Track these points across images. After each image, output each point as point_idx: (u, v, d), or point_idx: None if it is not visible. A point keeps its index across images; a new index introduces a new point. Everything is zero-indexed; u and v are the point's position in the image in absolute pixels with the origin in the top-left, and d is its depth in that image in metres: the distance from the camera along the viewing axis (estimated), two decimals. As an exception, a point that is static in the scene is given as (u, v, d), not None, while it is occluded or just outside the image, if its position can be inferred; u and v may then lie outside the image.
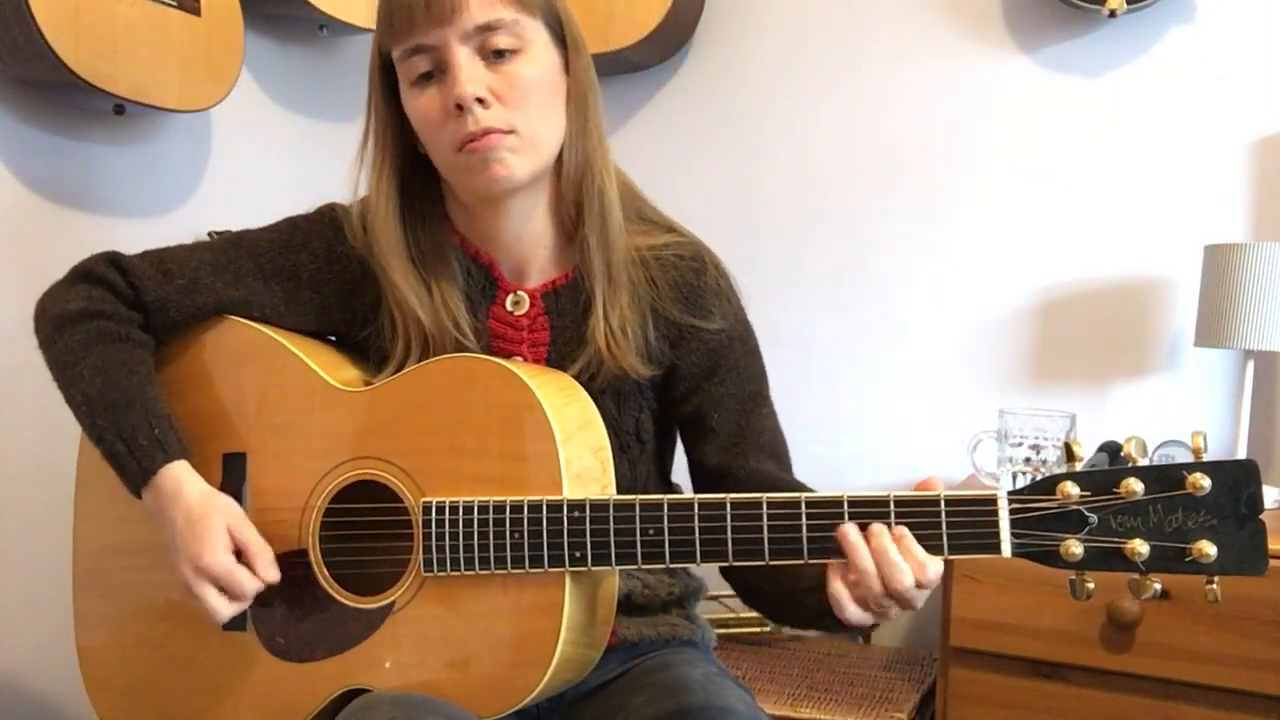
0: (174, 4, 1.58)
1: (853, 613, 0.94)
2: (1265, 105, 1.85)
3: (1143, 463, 0.89)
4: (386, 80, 1.08)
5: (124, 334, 1.11)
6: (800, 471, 1.17)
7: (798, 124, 2.15)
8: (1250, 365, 1.75)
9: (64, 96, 1.57)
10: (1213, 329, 1.71)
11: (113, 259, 1.14)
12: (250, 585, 1.02)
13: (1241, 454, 1.74)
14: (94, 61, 1.46)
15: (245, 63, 1.73)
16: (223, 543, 1.02)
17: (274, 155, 2.03)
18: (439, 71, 1.03)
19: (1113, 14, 1.84)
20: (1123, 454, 0.88)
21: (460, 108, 1.01)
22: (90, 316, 1.10)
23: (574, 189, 1.09)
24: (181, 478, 1.05)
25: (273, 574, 1.04)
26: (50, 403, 1.58)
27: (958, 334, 2.05)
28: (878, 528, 0.92)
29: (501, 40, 1.02)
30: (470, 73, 1.01)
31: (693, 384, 1.14)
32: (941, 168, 2.06)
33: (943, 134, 2.05)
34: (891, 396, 2.09)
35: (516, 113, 1.03)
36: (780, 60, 2.16)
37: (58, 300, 1.13)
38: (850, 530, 0.92)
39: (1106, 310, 1.95)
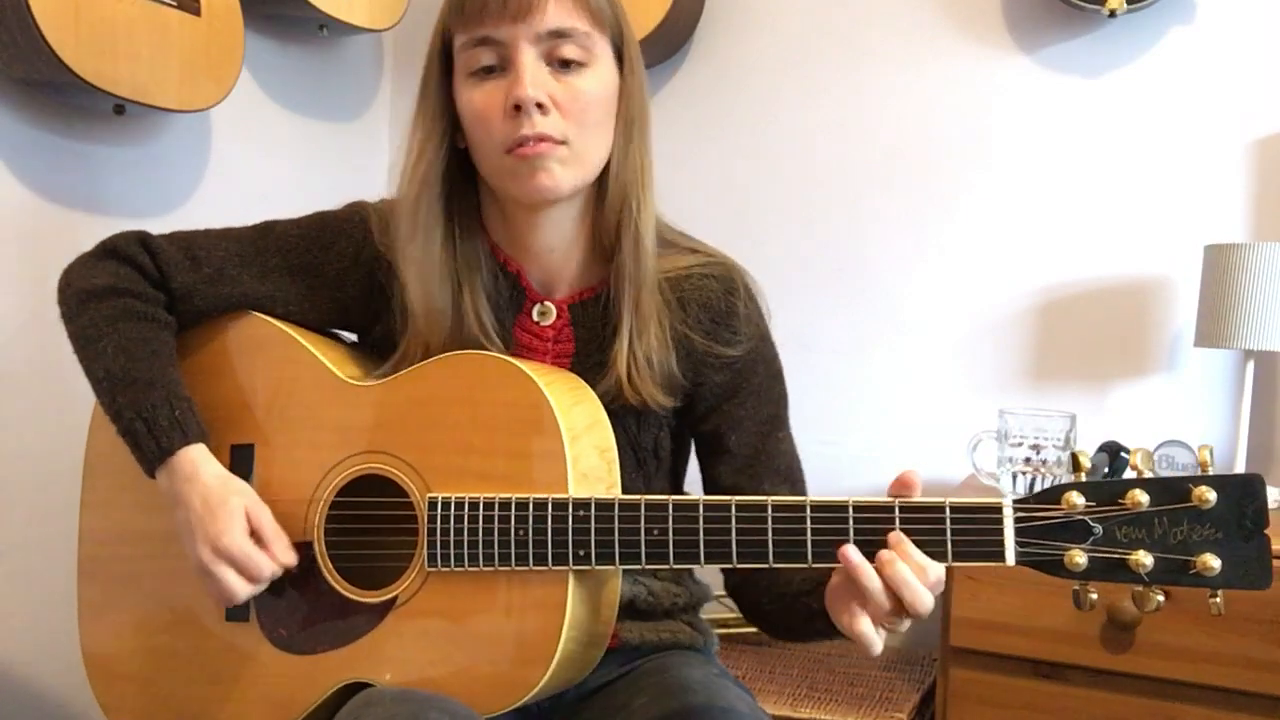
0: (174, 4, 1.58)
1: (869, 637, 0.92)
2: (1265, 105, 1.85)
3: (1148, 473, 0.89)
4: (444, 65, 1.06)
5: (149, 313, 1.11)
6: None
7: (797, 124, 2.15)
8: (1250, 365, 1.75)
9: (64, 96, 1.57)
10: (1213, 329, 1.71)
11: (142, 239, 1.14)
12: (268, 568, 1.03)
13: (1242, 454, 1.74)
14: (94, 61, 1.46)
15: (245, 63, 1.73)
16: (241, 525, 1.02)
17: (274, 155, 2.03)
18: (501, 68, 1.02)
19: (1113, 14, 1.84)
20: (1128, 464, 0.88)
21: (519, 108, 1.00)
22: (117, 293, 1.10)
23: (615, 212, 1.08)
24: (198, 460, 1.05)
25: (290, 557, 1.05)
26: (52, 402, 1.60)
27: (958, 334, 2.05)
28: (886, 554, 0.90)
29: (570, 50, 1.01)
30: (535, 76, 1.00)
31: (713, 404, 1.14)
32: (941, 168, 2.05)
33: (942, 134, 2.05)
34: (891, 396, 2.09)
35: (572, 125, 1.02)
36: (780, 60, 2.16)
37: (84, 274, 1.13)
38: (852, 552, 0.90)
39: (1106, 310, 1.95)
